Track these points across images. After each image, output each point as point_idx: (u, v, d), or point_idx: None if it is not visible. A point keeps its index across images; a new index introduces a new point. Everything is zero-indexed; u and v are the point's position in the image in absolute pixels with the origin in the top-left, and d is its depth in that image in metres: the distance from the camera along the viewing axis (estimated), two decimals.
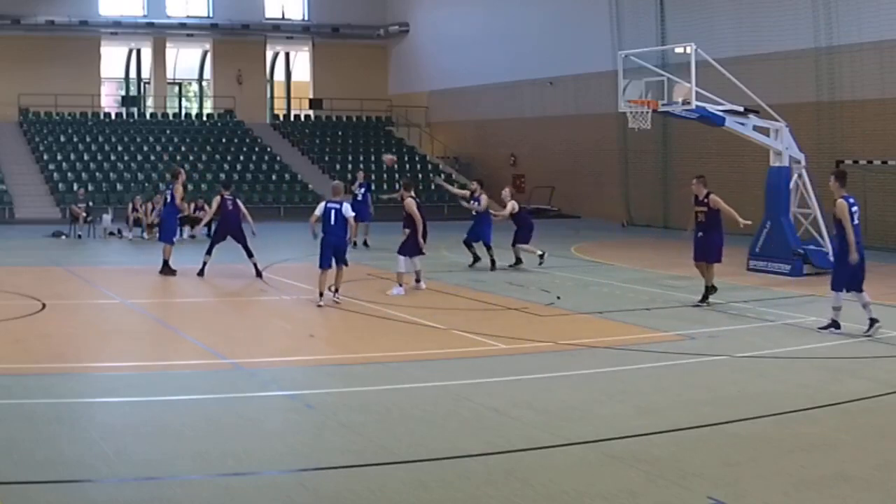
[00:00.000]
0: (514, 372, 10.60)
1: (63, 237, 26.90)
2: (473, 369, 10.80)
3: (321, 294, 14.93)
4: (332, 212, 15.06)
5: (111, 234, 27.62)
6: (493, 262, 19.94)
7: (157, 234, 20.61)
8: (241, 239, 18.52)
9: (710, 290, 15.48)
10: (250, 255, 18.33)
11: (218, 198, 19.32)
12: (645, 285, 16.62)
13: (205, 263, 18.27)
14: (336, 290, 15.11)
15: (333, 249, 15.03)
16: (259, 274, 18.09)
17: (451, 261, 21.29)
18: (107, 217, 28.29)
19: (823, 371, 11.18)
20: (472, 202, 20.56)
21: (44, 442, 7.67)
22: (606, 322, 14.17)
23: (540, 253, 20.25)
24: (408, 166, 41.99)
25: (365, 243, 24.12)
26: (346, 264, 15.35)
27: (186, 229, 27.26)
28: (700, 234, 15.58)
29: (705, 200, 15.50)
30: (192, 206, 27.74)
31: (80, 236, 27.29)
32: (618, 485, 6.99)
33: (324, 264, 15.03)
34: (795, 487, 7.04)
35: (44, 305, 14.37)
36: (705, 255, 15.50)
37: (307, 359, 11.55)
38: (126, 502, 6.66)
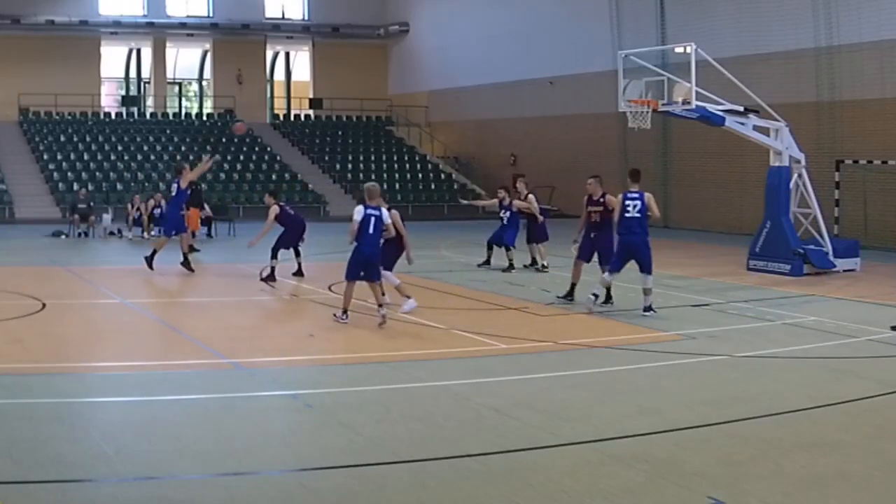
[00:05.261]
0: (514, 372, 10.60)
1: (63, 237, 26.91)
2: (473, 369, 10.80)
3: (345, 311, 13.24)
4: (372, 219, 13.19)
5: (111, 233, 27.64)
6: (511, 264, 19.91)
7: (162, 228, 20.35)
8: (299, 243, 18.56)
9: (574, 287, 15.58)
10: (298, 253, 18.48)
11: (276, 208, 18.20)
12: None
13: (274, 268, 17.81)
14: (380, 305, 13.10)
15: (366, 262, 13.24)
16: (300, 273, 18.23)
17: (451, 261, 21.30)
18: (107, 217, 28.33)
19: (823, 371, 11.18)
20: (503, 211, 20.41)
21: (44, 442, 7.66)
22: (606, 322, 14.17)
23: (545, 263, 20.23)
24: (407, 166, 42.04)
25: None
26: (379, 278, 13.48)
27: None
28: (594, 234, 15.48)
29: (601, 200, 15.38)
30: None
31: (85, 235, 27.31)
32: (618, 485, 6.99)
33: (350, 275, 13.27)
34: (795, 487, 7.05)
35: (44, 305, 14.37)
36: (592, 256, 15.52)
37: (307, 359, 11.55)
38: (126, 502, 6.66)
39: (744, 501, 6.70)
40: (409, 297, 14.39)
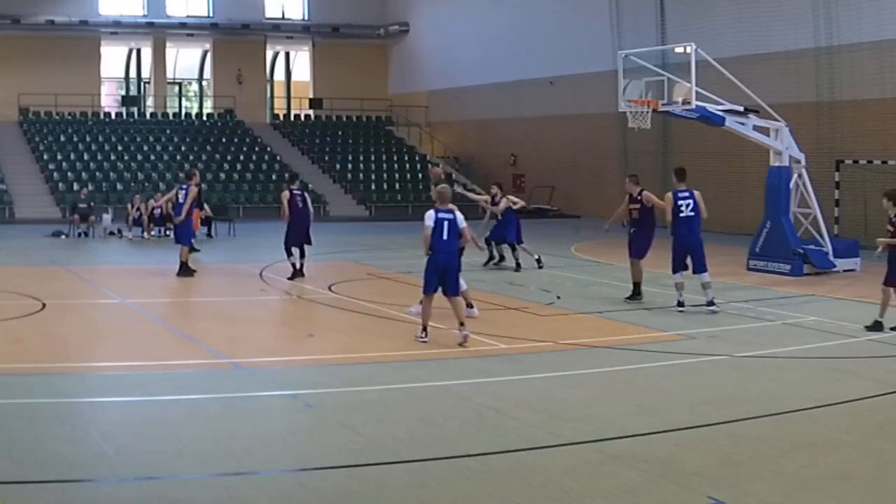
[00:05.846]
0: (514, 372, 10.60)
1: (63, 237, 26.90)
2: (473, 369, 10.80)
3: (424, 328, 12.11)
4: (445, 223, 12.06)
5: (111, 233, 27.64)
6: (518, 263, 19.85)
7: (173, 237, 20.10)
8: (307, 240, 18.04)
9: (637, 287, 15.74)
10: (303, 254, 18.02)
11: (286, 193, 18.17)
12: (645, 285, 16.59)
13: (294, 265, 17.76)
14: (462, 324, 11.97)
15: (442, 270, 12.07)
16: (300, 273, 17.77)
17: None
18: (107, 217, 28.32)
19: (823, 371, 11.18)
20: (493, 206, 20.45)
21: (44, 442, 7.67)
22: (606, 322, 14.17)
23: (537, 257, 20.30)
24: (407, 166, 42.05)
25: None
26: (458, 292, 12.33)
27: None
28: (633, 230, 15.93)
29: (638, 198, 15.78)
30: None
31: (85, 235, 27.28)
32: (618, 485, 6.99)
33: (428, 288, 12.09)
34: (795, 487, 7.05)
35: (44, 305, 14.38)
36: (638, 253, 15.84)
37: (307, 359, 11.55)
38: (126, 502, 6.66)
39: (744, 501, 6.70)
40: (471, 306, 13.72)
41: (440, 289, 12.17)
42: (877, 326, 13.18)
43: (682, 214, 14.71)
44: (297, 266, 17.80)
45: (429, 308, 12.15)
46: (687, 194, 14.83)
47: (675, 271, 14.90)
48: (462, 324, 11.95)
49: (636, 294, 15.82)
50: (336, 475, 7.21)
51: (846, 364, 11.42)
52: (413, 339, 12.09)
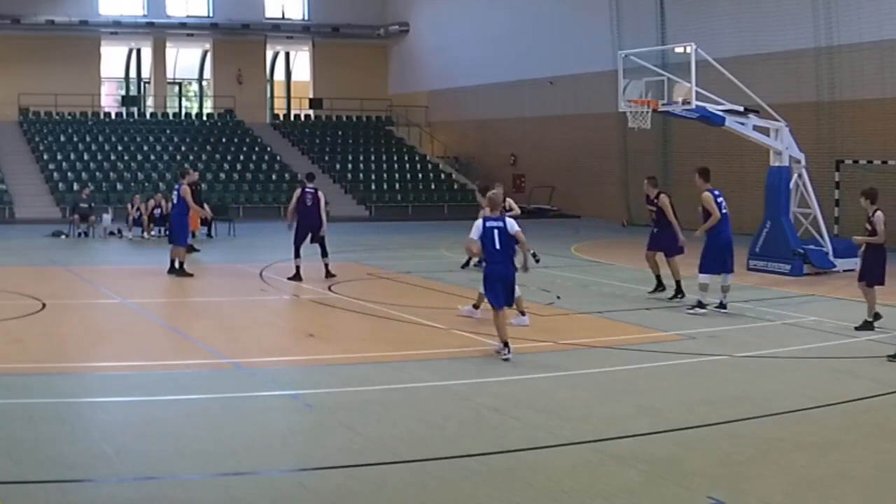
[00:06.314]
0: (514, 372, 10.60)
1: (63, 237, 26.90)
2: (473, 369, 10.80)
3: (505, 344, 11.16)
4: (495, 232, 11.30)
5: (111, 233, 27.64)
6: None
7: (168, 236, 19.98)
8: (319, 237, 17.89)
9: (679, 284, 15.99)
10: (325, 254, 17.94)
11: (298, 191, 18.17)
12: (645, 285, 16.62)
13: (298, 266, 17.66)
14: (505, 343, 11.22)
15: (503, 279, 11.39)
16: (329, 274, 17.79)
17: (451, 261, 21.29)
18: (107, 217, 28.33)
19: (823, 371, 11.18)
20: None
21: (44, 442, 7.67)
22: (606, 322, 14.17)
23: (532, 252, 20.27)
24: (407, 166, 42.05)
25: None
26: (512, 303, 11.84)
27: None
28: (656, 230, 16.35)
29: (655, 200, 16.19)
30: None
31: (85, 235, 27.27)
32: (618, 485, 6.99)
33: (496, 301, 11.35)
34: (795, 487, 7.05)
35: (44, 305, 14.38)
36: (662, 248, 16.24)
37: (307, 359, 11.55)
38: (126, 502, 6.66)
39: (744, 501, 6.70)
40: (523, 314, 13.27)
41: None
42: (866, 326, 13.21)
43: (724, 211, 15.02)
44: (325, 266, 17.84)
45: (502, 321, 11.33)
46: (718, 192, 15.14)
47: (709, 271, 14.88)
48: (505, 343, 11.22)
49: (659, 286, 16.23)
50: (336, 475, 7.21)
51: (846, 364, 11.42)
52: (411, 338, 12.04)
